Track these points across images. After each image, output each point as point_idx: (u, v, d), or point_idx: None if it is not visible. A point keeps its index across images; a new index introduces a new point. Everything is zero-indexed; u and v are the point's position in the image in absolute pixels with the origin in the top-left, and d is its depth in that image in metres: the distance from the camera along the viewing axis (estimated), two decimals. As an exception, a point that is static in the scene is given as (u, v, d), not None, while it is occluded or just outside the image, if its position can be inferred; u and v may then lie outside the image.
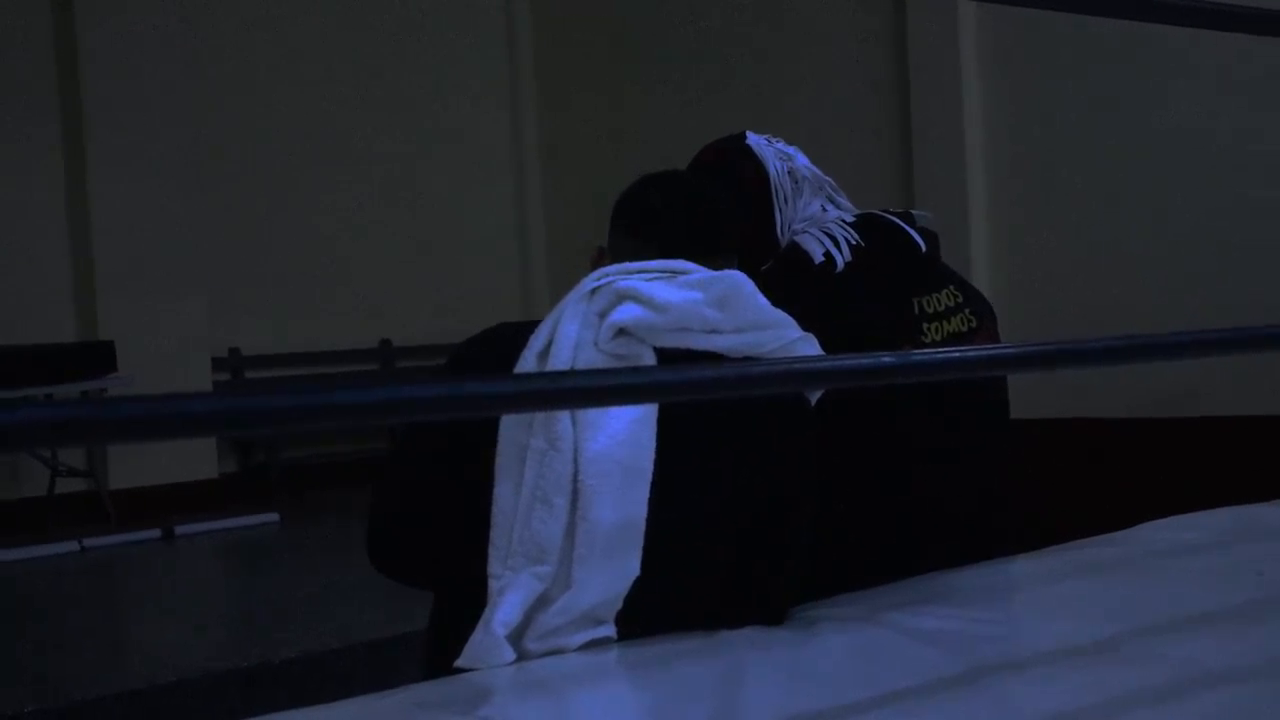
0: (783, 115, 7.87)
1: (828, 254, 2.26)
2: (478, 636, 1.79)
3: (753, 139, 2.41)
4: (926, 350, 2.16)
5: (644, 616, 1.82)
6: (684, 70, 8.84)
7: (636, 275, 1.91)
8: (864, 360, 1.50)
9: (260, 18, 8.95)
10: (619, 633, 1.82)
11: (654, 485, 1.84)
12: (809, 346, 1.96)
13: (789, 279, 2.29)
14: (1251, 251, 6.42)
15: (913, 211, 2.40)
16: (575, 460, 1.82)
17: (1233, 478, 4.54)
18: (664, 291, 1.88)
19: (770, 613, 1.90)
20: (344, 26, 9.31)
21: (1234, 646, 1.69)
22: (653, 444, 1.85)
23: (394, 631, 4.37)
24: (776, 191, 2.35)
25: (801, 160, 2.41)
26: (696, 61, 8.77)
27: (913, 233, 2.32)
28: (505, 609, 1.79)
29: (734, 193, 2.31)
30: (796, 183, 2.37)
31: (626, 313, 1.87)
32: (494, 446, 1.91)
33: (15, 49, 7.89)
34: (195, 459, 8.18)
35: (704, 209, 2.06)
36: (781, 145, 2.43)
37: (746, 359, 1.93)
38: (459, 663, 1.79)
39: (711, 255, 2.03)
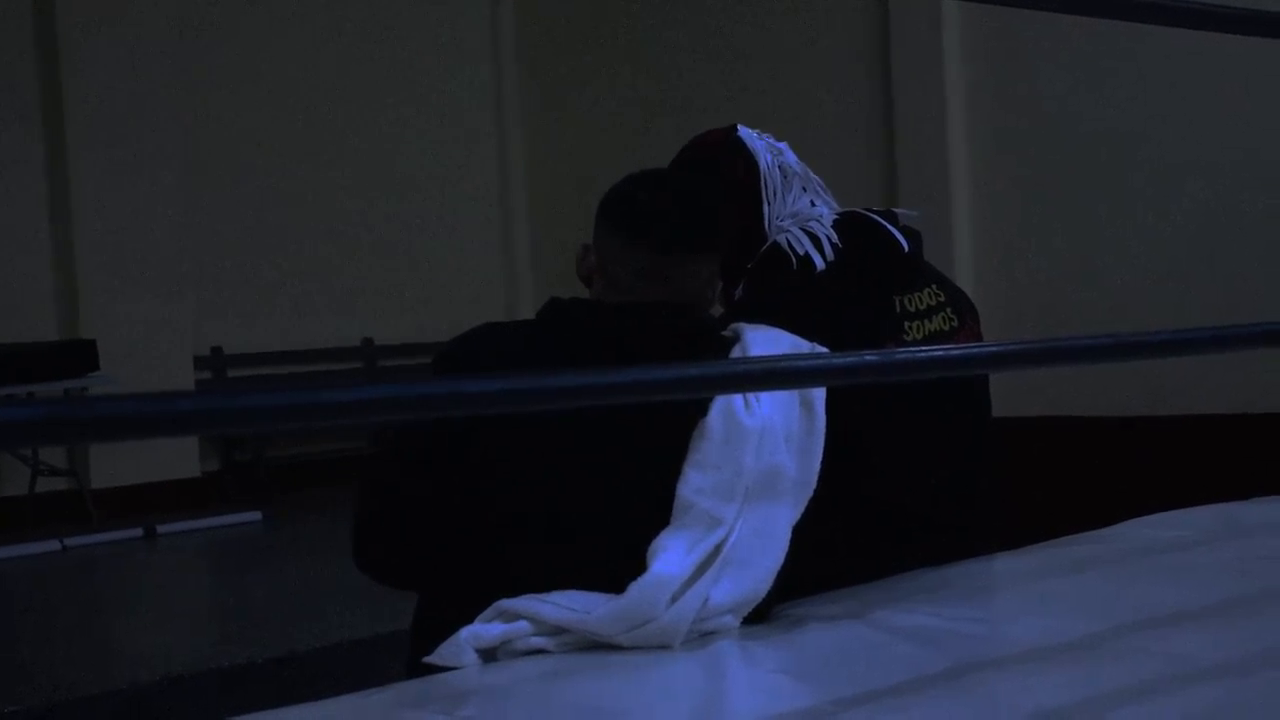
0: (766, 113, 7.86)
1: (808, 253, 2.27)
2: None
3: (743, 132, 2.42)
4: (909, 349, 2.16)
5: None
6: (669, 67, 8.84)
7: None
8: (847, 359, 1.50)
9: (244, 16, 8.93)
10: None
11: None
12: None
13: (770, 278, 2.29)
14: (1236, 247, 6.44)
15: (896, 210, 2.40)
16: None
17: (1216, 475, 4.55)
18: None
19: (754, 611, 1.90)
20: (327, 25, 9.29)
21: (1217, 643, 1.69)
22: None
23: (377, 630, 4.37)
24: (766, 185, 2.35)
25: (790, 156, 2.42)
26: (681, 59, 8.77)
27: (895, 231, 2.32)
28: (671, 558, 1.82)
29: (723, 186, 2.32)
30: (786, 177, 2.37)
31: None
32: (478, 447, 1.91)
33: (-4, 46, 7.87)
34: (177, 458, 8.16)
35: (692, 206, 2.06)
36: (771, 140, 2.43)
37: (733, 359, 1.94)
38: (429, 659, 1.80)
39: (700, 253, 2.03)
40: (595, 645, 1.80)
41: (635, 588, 1.78)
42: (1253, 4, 1.86)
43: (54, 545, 6.77)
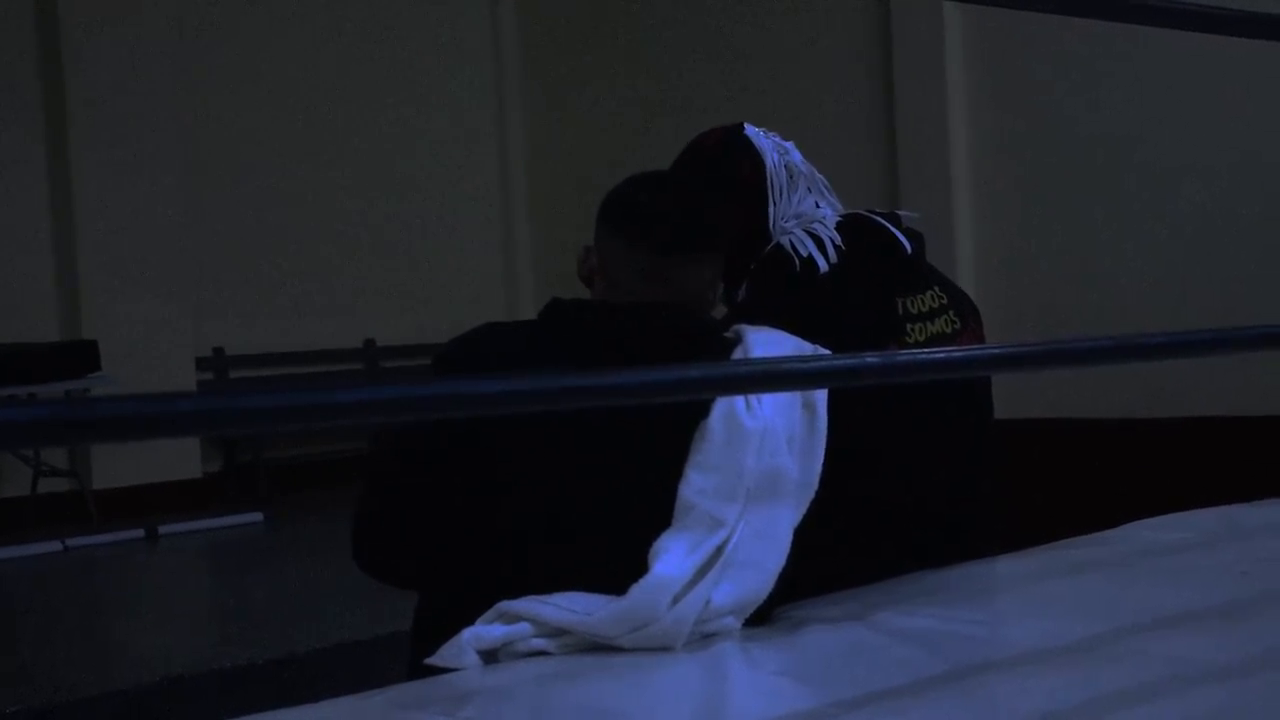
0: (766, 113, 7.83)
1: (810, 255, 2.26)
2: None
3: (750, 130, 2.41)
4: (911, 351, 2.16)
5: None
6: (669, 67, 8.84)
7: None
8: (849, 361, 1.50)
9: (244, 16, 8.93)
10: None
11: None
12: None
13: (773, 280, 2.29)
14: (1234, 249, 6.43)
15: (898, 212, 2.40)
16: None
17: (1217, 478, 4.55)
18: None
19: (756, 613, 1.90)
20: (327, 25, 9.29)
21: (1219, 645, 1.69)
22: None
23: (377, 632, 4.37)
24: (772, 184, 2.35)
25: (796, 155, 2.41)
26: (681, 59, 8.76)
27: (897, 233, 2.32)
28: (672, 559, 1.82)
29: (729, 185, 2.32)
30: (791, 177, 2.37)
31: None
32: (479, 448, 1.91)
33: (-3, 47, 7.87)
34: (178, 459, 8.16)
35: (694, 208, 2.06)
36: (777, 138, 2.43)
37: (735, 360, 1.94)
38: (430, 660, 1.80)
39: (702, 254, 2.03)
40: (597, 647, 1.80)
41: (637, 589, 1.78)
42: (1252, 5, 1.86)
43: (55, 546, 6.76)
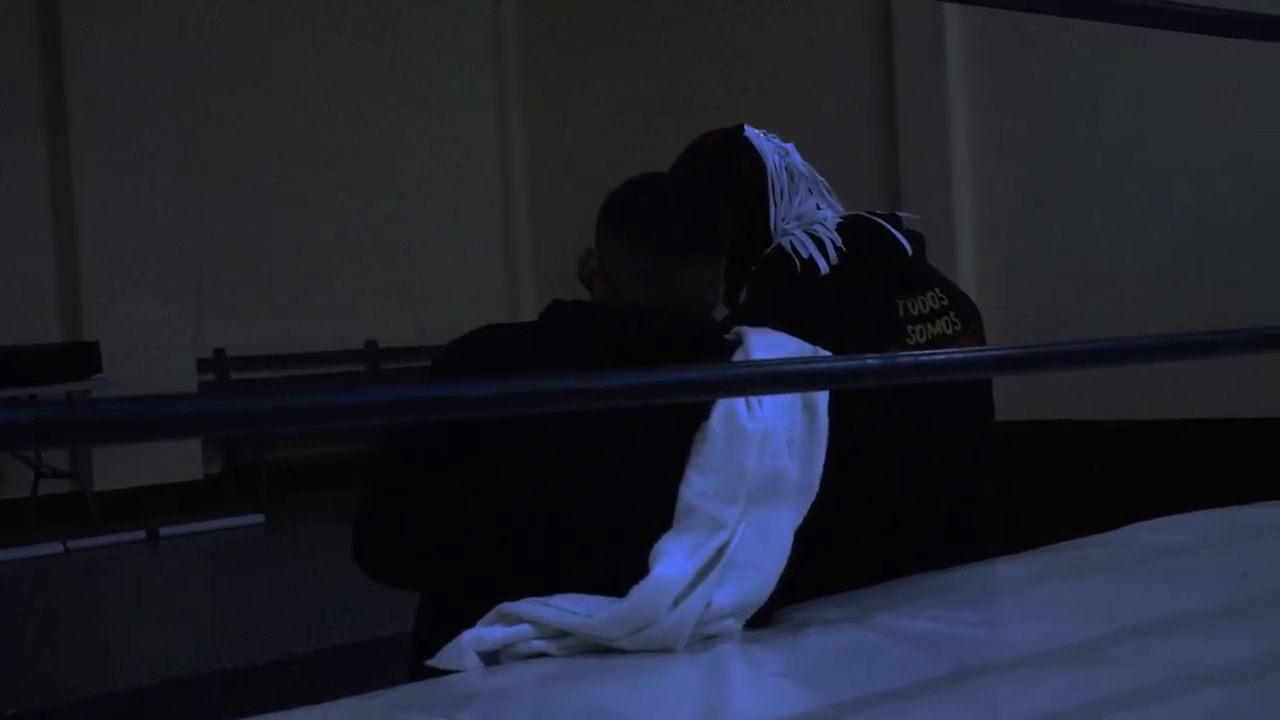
0: (766, 113, 7.83)
1: (811, 257, 2.26)
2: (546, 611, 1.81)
3: (750, 132, 2.41)
4: (911, 352, 2.16)
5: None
6: (669, 67, 8.84)
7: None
8: (850, 363, 1.50)
9: (244, 16, 8.93)
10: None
11: None
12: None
13: (774, 281, 2.29)
14: (1235, 251, 6.43)
15: (899, 213, 2.40)
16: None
17: (1217, 479, 4.55)
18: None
19: (757, 614, 1.90)
20: (327, 25, 9.29)
21: (1219, 647, 1.69)
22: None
23: (378, 633, 4.36)
24: (773, 186, 2.35)
25: (796, 157, 2.41)
26: (681, 59, 8.76)
27: (898, 235, 2.32)
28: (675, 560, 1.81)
29: (730, 186, 2.31)
30: (792, 178, 2.37)
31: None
32: (480, 448, 1.91)
33: (-2, 48, 7.88)
34: (180, 460, 8.16)
35: (694, 209, 2.06)
36: (778, 140, 2.43)
37: (736, 362, 1.94)
38: (431, 662, 1.80)
39: (702, 255, 2.03)
40: (598, 649, 1.79)
41: (638, 591, 1.78)
42: (1249, 6, 1.86)
43: (56, 547, 6.76)
